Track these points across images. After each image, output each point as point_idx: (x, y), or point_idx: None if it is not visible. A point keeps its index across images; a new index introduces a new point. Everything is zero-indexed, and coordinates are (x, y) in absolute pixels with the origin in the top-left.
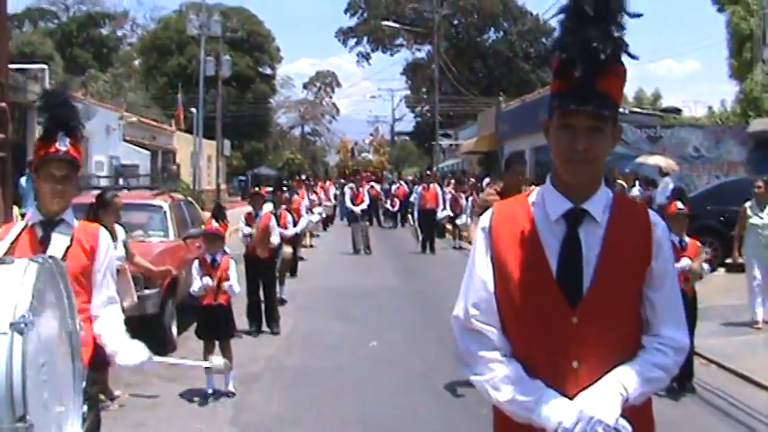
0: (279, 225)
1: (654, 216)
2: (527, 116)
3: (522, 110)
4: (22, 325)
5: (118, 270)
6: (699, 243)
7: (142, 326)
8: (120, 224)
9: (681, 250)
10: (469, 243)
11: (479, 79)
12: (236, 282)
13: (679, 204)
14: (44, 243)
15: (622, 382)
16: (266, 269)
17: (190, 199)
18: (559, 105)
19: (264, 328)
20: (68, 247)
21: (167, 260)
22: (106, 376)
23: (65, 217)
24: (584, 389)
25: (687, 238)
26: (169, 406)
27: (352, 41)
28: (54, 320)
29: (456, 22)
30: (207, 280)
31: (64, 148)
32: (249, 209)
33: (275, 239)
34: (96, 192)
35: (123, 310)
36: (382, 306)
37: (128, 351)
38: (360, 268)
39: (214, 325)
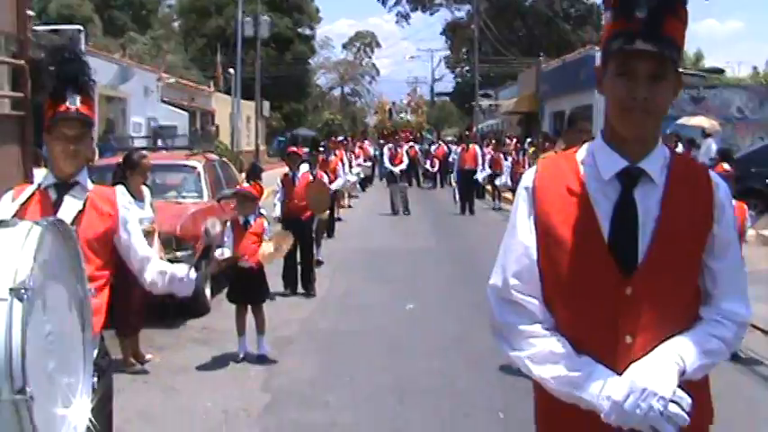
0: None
1: (715, 176)
2: (568, 76)
3: (562, 70)
4: (23, 291)
5: (147, 232)
6: (746, 206)
7: None
8: (146, 185)
9: None
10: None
11: (519, 39)
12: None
13: (725, 165)
14: (56, 206)
15: (679, 352)
16: (304, 231)
17: (225, 159)
18: (621, 47)
19: (300, 290)
20: (81, 211)
21: (200, 221)
22: (137, 340)
23: (79, 179)
24: None
25: (734, 201)
26: (200, 370)
27: (391, 1)
28: (62, 287)
29: None
30: (221, 251)
31: (75, 107)
32: (286, 170)
33: (339, 182)
34: None
35: None
36: (419, 268)
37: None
38: (398, 229)
39: (246, 288)
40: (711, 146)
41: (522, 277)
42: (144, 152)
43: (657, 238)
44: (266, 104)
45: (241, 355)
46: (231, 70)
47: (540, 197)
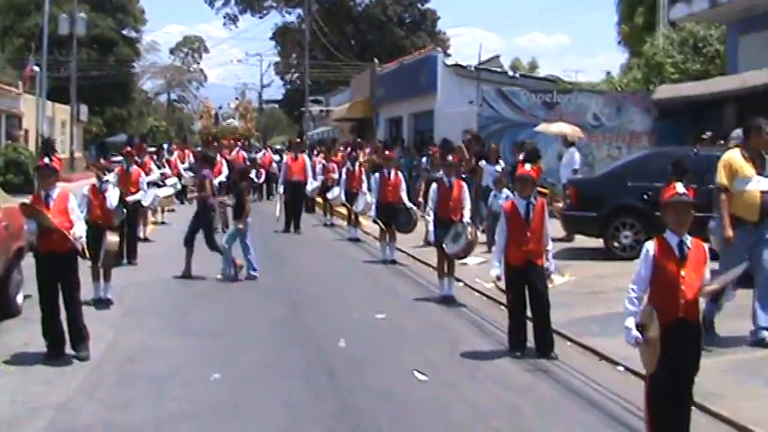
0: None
1: None
2: (406, 80)
3: (399, 72)
4: None
5: None
6: (705, 245)
7: None
8: None
9: (680, 259)
10: (345, 220)
11: (351, 45)
12: None
13: (679, 187)
14: None
15: None
16: (66, 267)
17: None
18: None
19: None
20: None
21: None
22: None
23: None
24: None
25: (689, 239)
26: None
27: (219, 2)
28: None
29: None
30: None
31: None
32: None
33: (78, 230)
34: None
35: None
36: (235, 308)
37: None
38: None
39: None
40: (575, 155)
41: None
42: None
43: None
44: (84, 108)
45: None
46: (35, 67)
47: None
